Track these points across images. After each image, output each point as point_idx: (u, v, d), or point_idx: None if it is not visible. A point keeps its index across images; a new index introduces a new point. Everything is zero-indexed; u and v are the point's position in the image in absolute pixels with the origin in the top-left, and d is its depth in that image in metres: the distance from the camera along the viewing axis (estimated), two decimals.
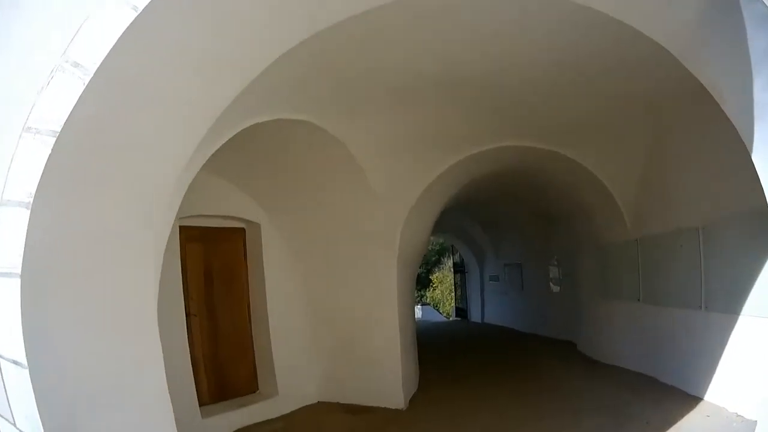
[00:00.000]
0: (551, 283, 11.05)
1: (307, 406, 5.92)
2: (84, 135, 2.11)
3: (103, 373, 2.39)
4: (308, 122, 4.36)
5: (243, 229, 5.93)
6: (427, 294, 27.31)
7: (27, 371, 2.03)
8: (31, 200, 1.99)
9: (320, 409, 5.85)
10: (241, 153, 4.80)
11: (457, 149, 5.59)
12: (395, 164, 5.28)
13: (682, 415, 4.68)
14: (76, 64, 2.02)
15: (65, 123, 2.01)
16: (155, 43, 2.14)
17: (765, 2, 1.82)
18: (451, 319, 19.38)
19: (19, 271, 2.00)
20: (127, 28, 1.95)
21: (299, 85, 3.72)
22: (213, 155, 3.67)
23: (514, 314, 13.05)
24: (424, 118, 4.79)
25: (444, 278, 25.59)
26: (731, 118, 2.34)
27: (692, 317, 5.35)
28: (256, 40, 2.59)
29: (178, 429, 2.76)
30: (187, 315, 5.04)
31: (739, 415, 4.45)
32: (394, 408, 5.67)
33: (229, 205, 5.57)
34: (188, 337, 4.95)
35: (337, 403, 5.96)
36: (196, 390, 4.87)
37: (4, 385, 2.20)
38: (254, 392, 5.81)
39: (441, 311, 23.02)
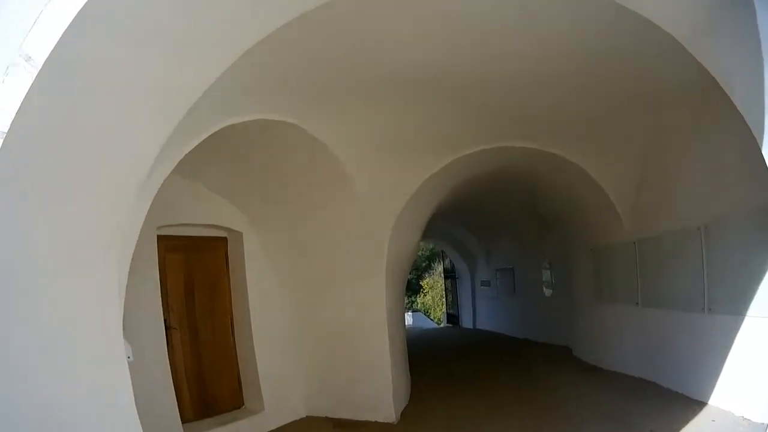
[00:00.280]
0: (544, 287, 10.94)
1: (294, 421, 5.71)
2: (34, 133, 1.92)
3: (63, 394, 2.20)
4: (291, 124, 4.16)
5: (225, 239, 5.71)
6: (418, 300, 27.18)
7: None
8: None
9: (308, 425, 5.63)
10: (222, 158, 4.60)
11: (446, 152, 5.42)
12: (382, 168, 5.08)
13: (687, 421, 4.56)
14: (28, 58, 1.87)
15: (12, 122, 1.84)
16: (114, 25, 1.95)
17: None
18: (442, 325, 19.24)
19: None
20: (80, 10, 1.76)
21: (279, 83, 3.52)
22: (192, 161, 3.48)
23: (507, 320, 12.93)
24: (414, 120, 4.61)
25: (435, 284, 25.48)
26: (740, 108, 2.22)
27: (695, 320, 5.23)
28: (231, 21, 2.39)
29: None
30: (167, 328, 4.83)
31: (746, 419, 4.35)
32: (385, 422, 5.47)
33: (210, 214, 5.36)
34: (169, 352, 4.73)
35: (326, 417, 5.74)
36: (179, 407, 4.67)
37: None
38: (239, 408, 5.58)
39: (432, 317, 22.89)
